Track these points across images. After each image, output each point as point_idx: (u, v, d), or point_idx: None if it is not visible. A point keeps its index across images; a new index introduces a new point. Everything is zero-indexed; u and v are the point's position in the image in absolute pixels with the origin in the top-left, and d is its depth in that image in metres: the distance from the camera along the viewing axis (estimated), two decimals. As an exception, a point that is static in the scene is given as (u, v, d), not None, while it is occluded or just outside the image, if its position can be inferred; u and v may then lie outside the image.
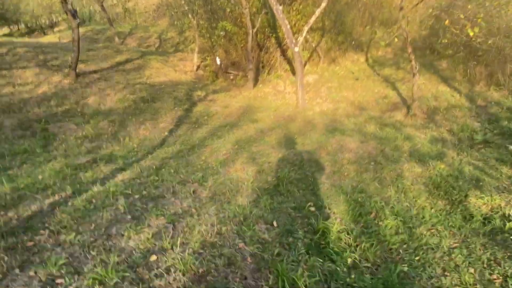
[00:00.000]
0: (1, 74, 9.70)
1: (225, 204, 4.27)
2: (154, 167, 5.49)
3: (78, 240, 3.28)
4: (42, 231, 3.45)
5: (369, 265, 3.28)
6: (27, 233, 3.40)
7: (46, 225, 3.56)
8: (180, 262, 2.97)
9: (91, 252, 3.11)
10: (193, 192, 4.59)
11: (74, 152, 6.39)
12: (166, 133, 7.67)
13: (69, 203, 4.07)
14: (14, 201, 4.18)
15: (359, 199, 4.47)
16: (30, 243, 3.24)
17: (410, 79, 10.53)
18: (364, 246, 3.44)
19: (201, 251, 3.22)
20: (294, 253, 3.28)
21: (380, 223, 3.97)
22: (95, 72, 10.84)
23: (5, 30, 24.09)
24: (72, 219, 3.66)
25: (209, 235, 3.48)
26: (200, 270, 2.94)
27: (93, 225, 3.58)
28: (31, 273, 2.82)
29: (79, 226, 3.55)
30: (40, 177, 4.93)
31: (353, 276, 3.06)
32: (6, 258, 2.98)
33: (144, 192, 4.50)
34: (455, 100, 8.99)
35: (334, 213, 4.18)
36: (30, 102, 8.47)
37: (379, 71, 11.37)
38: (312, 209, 4.23)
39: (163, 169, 5.41)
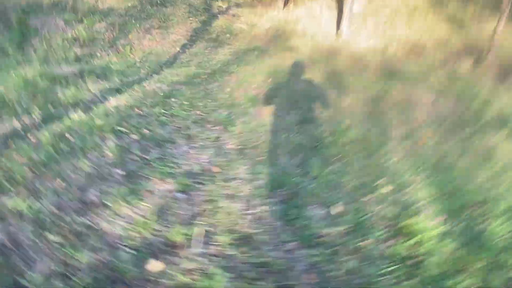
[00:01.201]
0: None
1: (258, 165, 2.94)
2: (161, 93, 4.03)
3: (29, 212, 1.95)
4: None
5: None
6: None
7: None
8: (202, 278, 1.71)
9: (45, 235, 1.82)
10: (216, 139, 3.22)
11: (58, 57, 4.82)
12: (178, 49, 6.02)
13: (31, 136, 2.69)
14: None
15: (450, 180, 3.13)
16: None
17: (481, 20, 8.63)
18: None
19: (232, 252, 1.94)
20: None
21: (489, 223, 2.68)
22: (94, -43, 8.66)
23: None
24: (29, 169, 2.31)
25: (244, 224, 2.18)
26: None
27: (60, 182, 2.25)
28: None
29: (38, 181, 2.22)
30: (0, 88, 3.47)
31: None
32: None
33: (145, 131, 3.13)
34: (537, 55, 7.20)
35: (419, 201, 2.87)
36: (8, -16, 6.60)
37: (441, 5, 9.25)
38: (385, 190, 2.90)
39: (172, 98, 3.96)
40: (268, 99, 4.27)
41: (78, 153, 2.56)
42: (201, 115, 3.69)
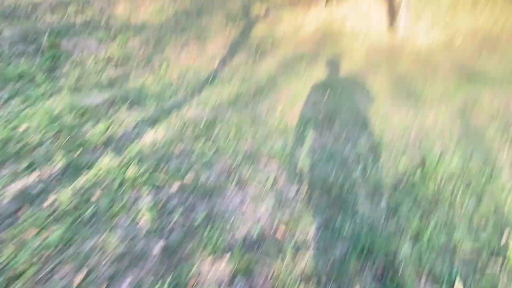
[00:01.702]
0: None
1: (334, 219, 2.21)
2: (204, 120, 3.43)
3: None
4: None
5: None
6: None
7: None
8: None
9: None
10: (274, 181, 2.54)
11: (90, 82, 4.40)
12: (217, 63, 5.43)
13: (49, 198, 2.17)
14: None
15: None
16: None
17: None
18: None
19: None
20: None
21: None
22: (127, -29, 8.37)
23: None
24: (39, 256, 1.76)
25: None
26: None
27: (81, 274, 1.67)
28: None
29: (51, 274, 1.66)
30: (22, 127, 3.04)
31: None
32: None
33: (188, 178, 2.51)
34: None
35: None
36: (41, 7, 6.39)
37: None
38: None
39: (217, 126, 3.34)
40: (328, 120, 3.52)
41: (104, 222, 1.99)
42: (252, 146, 3.03)
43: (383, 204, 2.45)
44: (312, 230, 2.15)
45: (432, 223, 2.23)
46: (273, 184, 2.56)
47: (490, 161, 2.88)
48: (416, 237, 2.12)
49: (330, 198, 2.46)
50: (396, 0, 8.16)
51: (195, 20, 6.96)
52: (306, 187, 2.58)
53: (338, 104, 3.85)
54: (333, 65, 5.18)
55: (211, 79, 4.74)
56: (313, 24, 7.59)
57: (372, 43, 6.53)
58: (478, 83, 4.46)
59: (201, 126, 3.31)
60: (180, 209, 2.19)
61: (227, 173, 2.62)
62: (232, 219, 2.16)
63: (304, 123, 3.48)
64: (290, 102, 3.94)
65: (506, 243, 2.14)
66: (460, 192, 2.53)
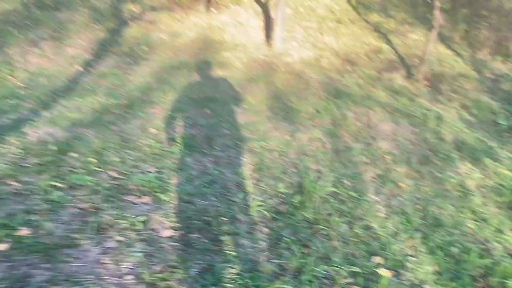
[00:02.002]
0: None
1: (218, 265, 1.97)
2: (55, 145, 2.76)
3: None
4: None
5: None
6: None
7: None
8: None
9: None
10: (144, 224, 2.14)
11: None
12: (78, 67, 4.62)
13: None
14: None
15: (446, 244, 2.57)
16: None
17: (405, 32, 8.79)
18: None
19: None
20: None
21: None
22: None
23: None
24: None
25: None
26: None
27: None
28: None
29: None
30: None
31: None
32: None
33: (22, 231, 1.90)
34: (460, 67, 7.46)
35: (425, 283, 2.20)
36: None
37: (366, 15, 9.23)
38: (384, 281, 2.17)
39: (72, 153, 2.73)
40: (209, 141, 3.28)
41: None
42: (118, 178, 2.55)
43: (266, 238, 2.31)
44: (188, 283, 1.84)
45: (312, 255, 2.18)
46: (143, 228, 2.15)
47: (358, 180, 3.09)
48: (297, 274, 2.04)
49: (210, 237, 2.20)
50: (271, 13, 8.53)
51: (51, 14, 5.85)
52: (184, 225, 2.26)
53: (219, 122, 3.65)
54: (213, 77, 4.99)
55: (70, 88, 3.96)
56: (193, 30, 7.30)
57: (251, 55, 6.62)
58: (344, 100, 4.89)
59: (50, 153, 2.64)
60: (4, 284, 1.60)
61: (82, 218, 2.10)
62: (86, 283, 1.69)
63: (183, 144, 3.15)
64: (167, 120, 3.55)
65: (377, 271, 2.25)
66: (335, 217, 2.59)
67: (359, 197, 2.87)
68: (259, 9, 9.06)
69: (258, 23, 8.49)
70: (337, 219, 2.55)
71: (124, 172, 2.64)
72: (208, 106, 3.94)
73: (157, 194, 2.46)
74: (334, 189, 2.86)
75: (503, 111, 5.91)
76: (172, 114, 3.62)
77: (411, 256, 2.44)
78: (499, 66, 7.58)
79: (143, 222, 2.20)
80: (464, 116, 5.52)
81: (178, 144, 3.12)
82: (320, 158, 3.29)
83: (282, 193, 2.76)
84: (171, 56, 5.57)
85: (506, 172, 3.85)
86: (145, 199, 2.41)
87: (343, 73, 6.60)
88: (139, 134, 3.19)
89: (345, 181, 3.03)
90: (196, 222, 2.30)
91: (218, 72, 5.24)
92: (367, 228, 2.59)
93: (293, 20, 8.92)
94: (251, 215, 2.49)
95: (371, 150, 3.63)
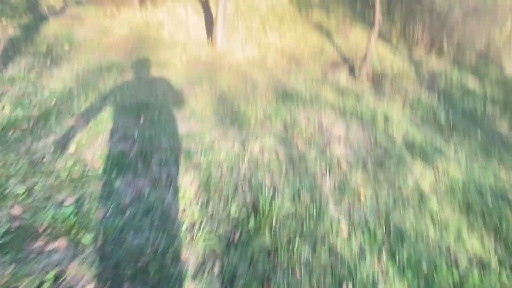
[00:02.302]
0: None
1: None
2: None
3: None
4: None
5: None
6: None
7: None
8: None
9: None
10: (57, 278, 1.62)
11: None
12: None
13: None
14: None
15: (413, 260, 2.38)
16: None
17: (346, 30, 8.87)
18: None
19: None
20: None
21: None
22: None
23: None
24: None
25: None
26: None
27: None
28: None
29: None
30: None
31: None
32: None
33: None
34: (399, 65, 7.68)
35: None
36: None
37: (306, 14, 9.18)
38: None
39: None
40: (144, 158, 2.76)
41: None
42: (21, 218, 1.95)
43: (216, 278, 1.90)
44: None
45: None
46: (56, 283, 1.62)
47: (316, 194, 2.80)
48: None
49: (147, 286, 1.73)
50: (212, 10, 8.08)
51: None
52: (112, 275, 1.76)
53: (156, 133, 3.13)
54: (150, 79, 4.41)
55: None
56: (125, 27, 6.57)
57: (192, 55, 6.10)
58: (293, 103, 4.62)
59: None
60: None
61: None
62: None
63: (111, 164, 2.59)
64: (92, 132, 2.95)
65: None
66: (296, 239, 2.27)
67: (319, 214, 2.58)
68: (199, 5, 8.55)
69: (198, 20, 7.98)
70: (298, 244, 2.22)
71: (31, 207, 2.04)
72: (142, 113, 3.39)
73: (74, 235, 1.92)
74: (292, 208, 2.53)
75: (442, 108, 6.11)
76: (97, 126, 3.02)
77: (381, 278, 2.20)
78: (434, 62, 7.95)
79: (55, 277, 1.66)
80: (408, 114, 5.59)
81: (104, 164, 2.57)
82: (275, 170, 2.94)
83: (233, 217, 2.36)
84: (99, 57, 4.86)
85: (456, 173, 3.86)
86: (59, 243, 1.86)
87: (290, 73, 6.38)
88: (53, 154, 2.57)
89: (303, 196, 2.72)
90: (128, 268, 1.81)
91: (155, 74, 4.66)
92: (331, 250, 2.30)
93: (236, 18, 8.56)
94: (198, 250, 2.06)
95: (326, 156, 3.38)
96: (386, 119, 4.90)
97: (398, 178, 3.41)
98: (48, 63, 4.27)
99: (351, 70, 7.02)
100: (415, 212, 2.98)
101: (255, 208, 2.47)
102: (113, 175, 2.50)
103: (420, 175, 3.63)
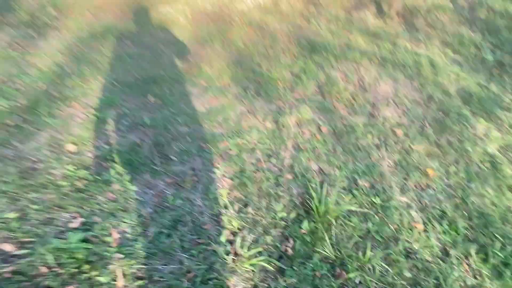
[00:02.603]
0: None
1: None
2: None
3: None
4: None
5: None
6: None
7: None
8: None
9: None
10: None
11: None
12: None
13: None
14: None
15: (508, 256, 1.89)
16: None
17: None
18: None
19: None
20: None
21: None
22: None
23: None
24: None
25: None
26: None
27: None
28: None
29: None
30: None
31: None
32: None
33: None
34: (432, -4, 6.64)
35: None
36: None
37: None
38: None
39: None
40: (161, 150, 2.23)
41: None
42: (14, 254, 1.51)
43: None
44: None
45: None
46: None
47: (375, 175, 2.27)
48: None
49: None
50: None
51: None
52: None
53: (170, 115, 2.57)
54: (152, 44, 3.74)
55: None
56: (116, -19, 5.70)
57: (196, 5, 5.28)
58: (322, 55, 3.91)
59: None
60: None
61: None
62: None
63: (122, 163, 2.09)
64: (93, 123, 2.41)
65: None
66: (363, 243, 1.79)
67: (385, 204, 2.07)
68: None
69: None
70: (369, 252, 1.74)
71: (25, 241, 1.59)
72: (151, 91, 2.80)
73: (87, 273, 1.47)
74: (351, 201, 2.02)
75: (487, 43, 5.26)
76: (99, 113, 2.47)
77: (475, 284, 1.75)
78: (472, -10, 6.86)
79: None
80: (450, 55, 4.81)
81: (115, 164, 2.07)
82: (320, 150, 2.39)
83: (281, 220, 1.88)
84: (91, 20, 4.15)
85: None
86: (68, 289, 1.43)
87: (309, 17, 5.52)
88: (48, 157, 2.07)
89: (361, 182, 2.19)
90: None
91: (157, 36, 3.97)
92: (409, 255, 1.83)
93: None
94: (245, 271, 1.61)
95: (376, 123, 2.79)
96: (432, 65, 4.17)
97: (463, 142, 2.83)
98: (33, 34, 3.62)
99: (378, 6, 6.08)
100: (491, 183, 2.44)
101: (305, 206, 1.97)
102: (126, 177, 2.01)
103: (485, 134, 3.03)
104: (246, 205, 1.97)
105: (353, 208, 1.93)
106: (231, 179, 2.12)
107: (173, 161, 2.18)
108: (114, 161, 2.09)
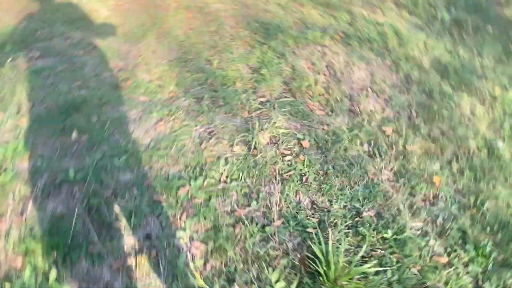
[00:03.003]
0: None
1: None
2: None
3: None
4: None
5: None
6: None
7: None
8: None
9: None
10: None
11: None
12: None
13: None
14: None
15: None
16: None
17: None
18: None
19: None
20: None
21: None
22: None
23: None
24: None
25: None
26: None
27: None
28: None
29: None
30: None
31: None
32: None
33: None
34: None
35: None
36: None
37: None
38: None
39: None
40: (99, 219, 1.61)
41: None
42: None
43: None
44: None
45: None
46: None
47: (380, 203, 1.84)
48: None
49: None
50: None
51: None
52: None
53: (104, 158, 1.91)
54: (68, 50, 2.91)
55: None
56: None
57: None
58: (280, 40, 3.33)
59: None
60: None
61: None
62: None
63: (45, 248, 1.45)
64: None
65: None
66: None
67: (399, 237, 1.66)
68: None
69: None
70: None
71: None
72: (73, 123, 2.08)
73: None
74: (367, 260, 1.58)
75: (444, 2, 4.99)
76: (2, 176, 1.75)
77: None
78: None
79: None
80: (408, 18, 4.47)
81: (31, 257, 1.42)
82: (308, 175, 1.90)
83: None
84: None
85: (505, 93, 3.01)
86: None
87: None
88: None
89: (365, 213, 1.75)
90: None
91: (74, 37, 3.13)
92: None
93: None
94: None
95: (361, 124, 2.34)
96: (396, 34, 3.79)
97: (455, 127, 2.50)
98: None
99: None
100: (498, 177, 2.15)
101: (307, 265, 1.50)
102: (52, 275, 1.38)
103: (471, 111, 2.75)
104: (230, 281, 1.45)
105: (371, 270, 1.49)
106: (203, 242, 1.58)
107: (118, 232, 1.57)
108: (27, 255, 1.44)
